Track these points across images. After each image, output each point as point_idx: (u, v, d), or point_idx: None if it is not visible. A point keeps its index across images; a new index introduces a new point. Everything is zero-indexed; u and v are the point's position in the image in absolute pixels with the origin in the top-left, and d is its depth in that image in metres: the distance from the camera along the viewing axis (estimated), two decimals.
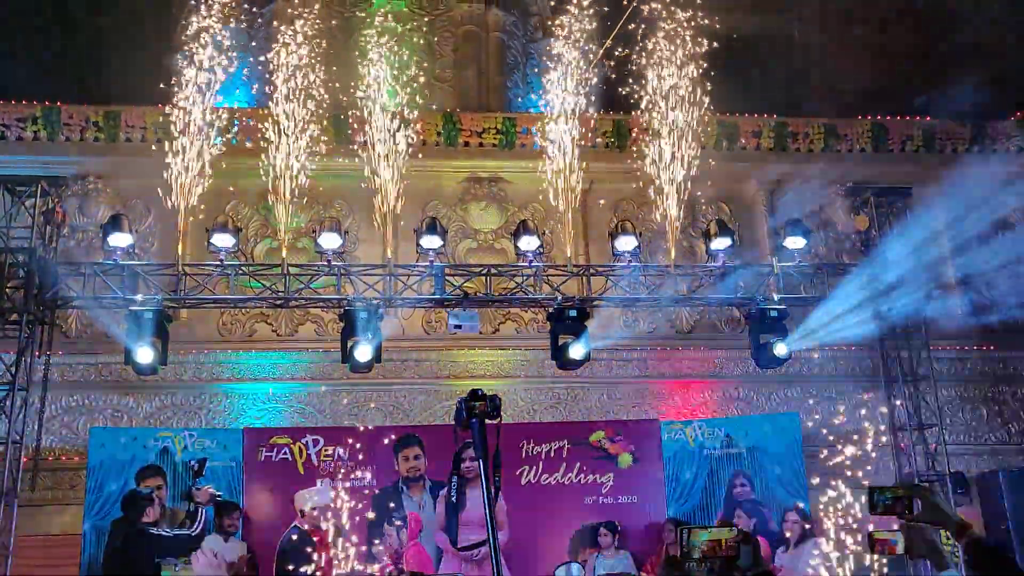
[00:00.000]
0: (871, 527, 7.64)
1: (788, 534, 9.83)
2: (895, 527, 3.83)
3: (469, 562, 9.58)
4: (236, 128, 11.00)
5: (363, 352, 9.85)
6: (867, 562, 9.48)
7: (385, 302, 10.03)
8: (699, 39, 10.54)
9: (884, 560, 9.24)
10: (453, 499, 4.29)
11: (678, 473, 10.69)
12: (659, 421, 11.02)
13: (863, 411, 11.40)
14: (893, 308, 10.70)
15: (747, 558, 3.74)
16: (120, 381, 10.97)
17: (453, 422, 4.25)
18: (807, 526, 9.72)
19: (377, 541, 9.74)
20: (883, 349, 11.49)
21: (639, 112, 10.90)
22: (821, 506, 9.98)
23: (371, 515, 9.85)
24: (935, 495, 3.74)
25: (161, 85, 10.43)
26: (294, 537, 9.55)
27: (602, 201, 12.29)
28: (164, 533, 8.57)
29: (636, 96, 10.78)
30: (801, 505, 10.00)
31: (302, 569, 9.18)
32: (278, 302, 10.28)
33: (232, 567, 9.08)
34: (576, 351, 10.16)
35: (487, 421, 4.17)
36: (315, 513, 9.61)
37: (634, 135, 11.73)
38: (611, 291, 10.58)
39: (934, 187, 11.03)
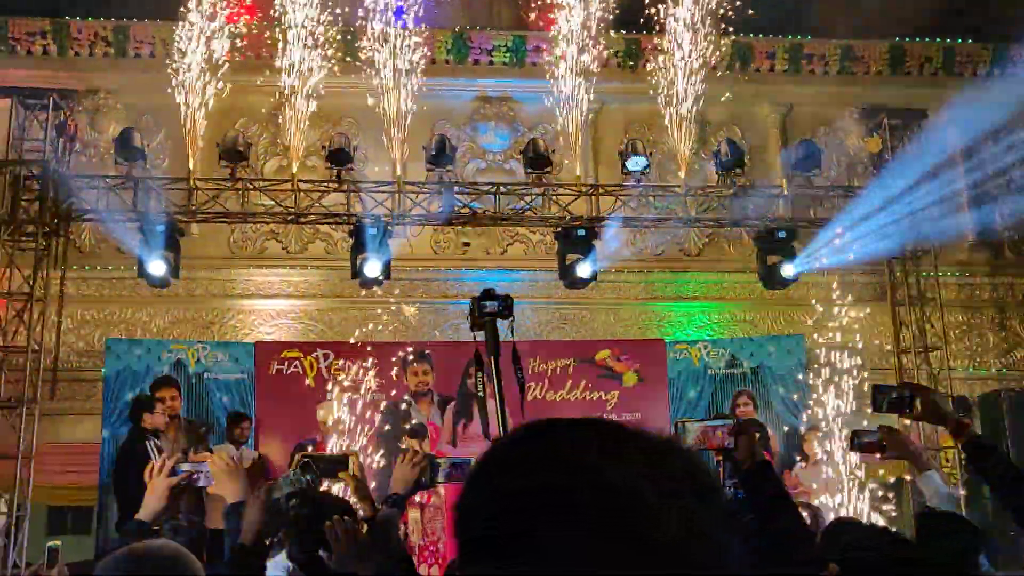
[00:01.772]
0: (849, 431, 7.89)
1: (806, 450, 10.01)
2: (875, 429, 4.02)
3: None
4: (243, 41, 10.98)
5: (372, 268, 10.05)
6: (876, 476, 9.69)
7: (394, 218, 10.14)
8: None
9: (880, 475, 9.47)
10: (481, 395, 4.50)
11: (682, 391, 10.93)
12: (664, 340, 11.23)
13: (868, 334, 11.51)
14: (902, 231, 10.69)
15: (743, 450, 3.93)
16: (133, 295, 11.26)
17: (469, 334, 4.41)
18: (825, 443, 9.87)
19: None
20: (891, 272, 11.58)
21: (653, 31, 10.85)
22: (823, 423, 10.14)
23: (387, 427, 10.06)
24: (936, 395, 3.97)
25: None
26: (309, 448, 9.80)
27: (612, 121, 12.23)
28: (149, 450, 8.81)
29: (651, 16, 10.72)
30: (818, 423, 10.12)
31: None
32: (288, 217, 10.46)
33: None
34: (583, 270, 10.34)
35: (500, 321, 4.31)
36: (329, 425, 9.80)
37: (647, 55, 11.66)
38: (619, 211, 10.65)
39: (950, 110, 10.97)
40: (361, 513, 3.89)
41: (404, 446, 9.49)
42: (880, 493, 9.82)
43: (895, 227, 10.60)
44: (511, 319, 4.41)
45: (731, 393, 10.92)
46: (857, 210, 10.67)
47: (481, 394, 4.68)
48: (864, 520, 7.24)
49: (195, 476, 3.49)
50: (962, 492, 9.29)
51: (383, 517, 3.48)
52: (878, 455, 4.01)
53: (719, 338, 11.47)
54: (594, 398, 10.80)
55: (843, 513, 8.71)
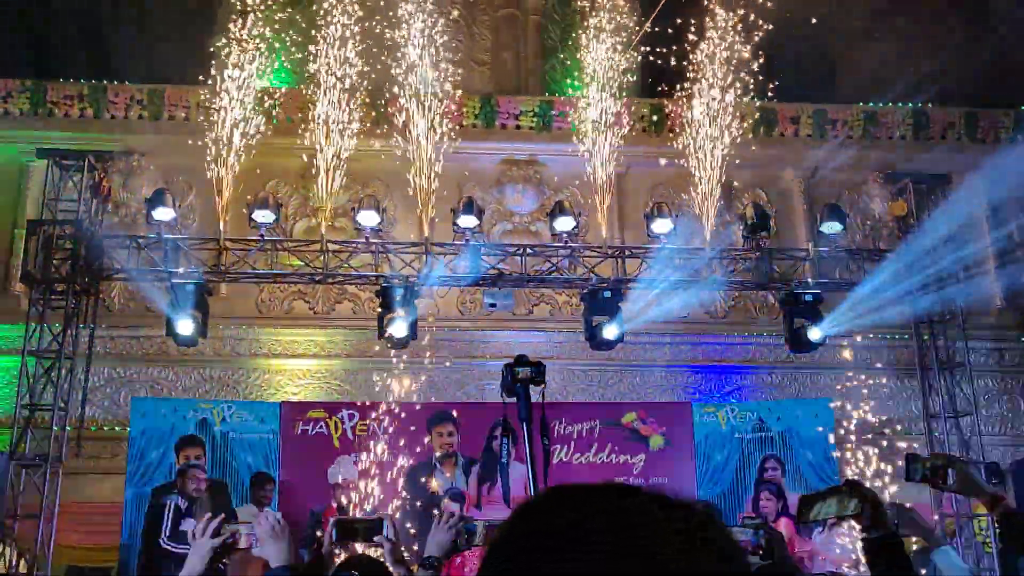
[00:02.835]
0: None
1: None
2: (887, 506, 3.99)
3: None
4: (277, 108, 11.27)
5: (399, 328, 10.11)
6: None
7: (421, 279, 10.23)
8: (749, 25, 10.66)
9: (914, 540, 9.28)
10: (504, 461, 4.55)
11: (709, 455, 10.82)
12: (691, 403, 11.19)
13: (897, 400, 11.42)
14: (929, 295, 10.67)
15: (766, 555, 3.96)
16: (160, 354, 11.37)
17: (496, 397, 4.47)
18: None
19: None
20: (919, 337, 11.55)
21: (678, 96, 11.05)
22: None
23: (404, 493, 10.05)
24: (970, 467, 3.95)
25: (204, 67, 10.74)
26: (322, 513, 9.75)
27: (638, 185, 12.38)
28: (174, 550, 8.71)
29: (677, 80, 10.94)
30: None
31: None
32: (317, 278, 10.58)
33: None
34: (609, 332, 10.37)
35: (532, 387, 4.30)
36: (341, 486, 9.85)
37: (672, 119, 11.86)
38: (645, 273, 10.71)
39: (974, 174, 11.05)
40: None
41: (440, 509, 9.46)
42: None
43: (922, 291, 10.57)
44: (543, 385, 4.48)
45: (758, 457, 10.82)
46: (884, 274, 10.64)
47: (504, 460, 4.66)
48: None
49: (238, 536, 3.45)
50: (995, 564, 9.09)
51: None
52: (933, 487, 3.97)
53: (746, 401, 11.31)
54: (620, 461, 10.73)
55: None
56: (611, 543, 0.88)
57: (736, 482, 10.78)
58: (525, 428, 4.35)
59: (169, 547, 8.90)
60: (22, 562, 10.02)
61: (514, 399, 4.45)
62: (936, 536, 3.95)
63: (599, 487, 0.96)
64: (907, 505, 4.00)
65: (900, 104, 12.85)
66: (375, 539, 4.00)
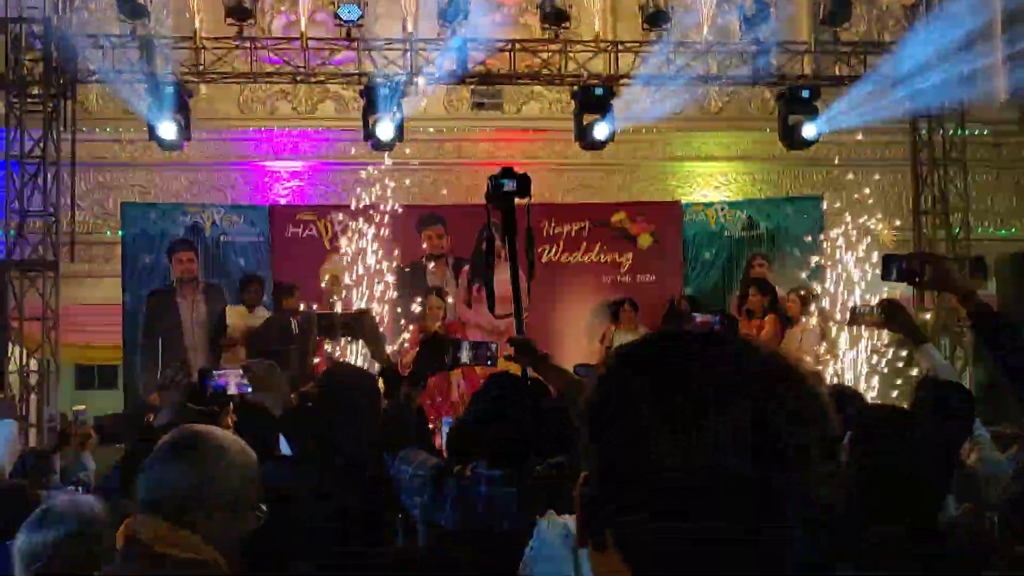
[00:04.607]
0: (853, 302, 7.95)
1: (790, 312, 10.00)
2: (874, 303, 4.09)
3: (493, 334, 9.49)
4: None
5: (385, 129, 10.01)
6: (872, 339, 9.73)
7: (406, 77, 9.98)
8: None
9: (884, 339, 9.46)
10: (489, 275, 4.61)
11: (697, 254, 10.95)
12: (681, 202, 11.26)
13: (888, 196, 11.40)
14: (930, 89, 10.44)
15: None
16: (146, 158, 11.34)
17: (484, 199, 4.30)
18: (812, 306, 9.89)
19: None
20: (915, 131, 11.38)
21: None
22: (829, 285, 10.12)
23: (394, 294, 10.07)
24: (947, 262, 3.90)
25: None
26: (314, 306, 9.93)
27: None
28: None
29: None
30: (809, 286, 10.13)
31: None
32: (298, 77, 10.33)
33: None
34: (600, 131, 10.27)
35: (517, 200, 4.26)
36: (332, 285, 9.81)
37: None
38: (638, 69, 10.42)
39: None
40: (376, 367, 4.03)
41: (420, 305, 9.61)
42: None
43: (924, 85, 10.29)
44: (528, 199, 4.38)
45: (744, 254, 10.90)
46: (885, 67, 10.34)
47: (489, 274, 4.60)
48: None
49: (227, 382, 3.46)
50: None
51: (403, 395, 3.55)
52: (876, 328, 4.11)
53: (737, 199, 11.36)
54: (608, 260, 10.83)
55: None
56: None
57: (723, 279, 10.98)
58: (507, 243, 4.37)
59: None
60: (32, 361, 10.35)
61: (498, 211, 4.56)
62: (920, 334, 4.08)
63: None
64: (896, 301, 4.17)
65: None
66: (354, 331, 4.16)
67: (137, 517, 1.92)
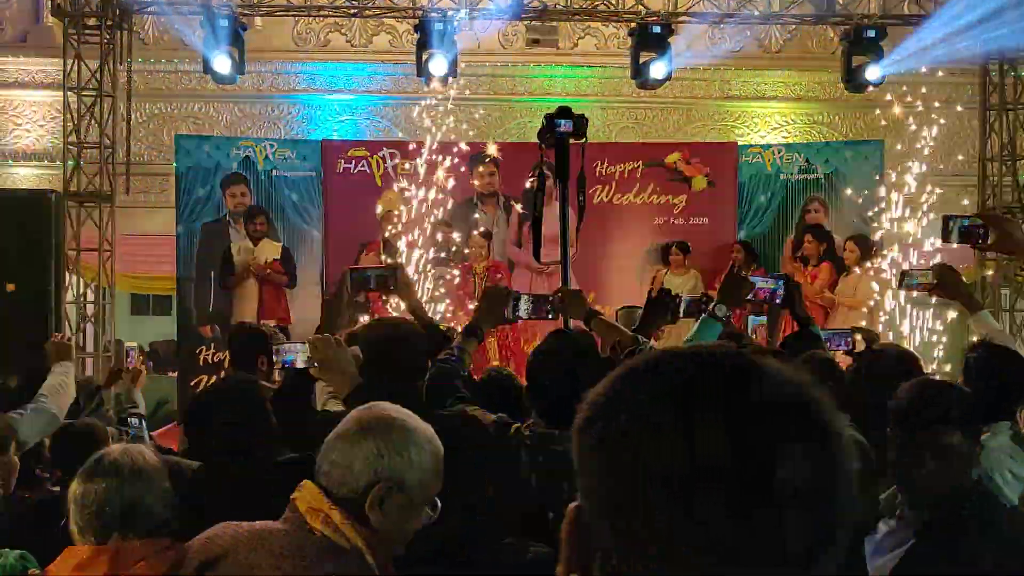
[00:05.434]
0: (906, 266, 7.78)
1: (847, 261, 9.95)
2: (928, 268, 4.01)
3: (540, 275, 9.96)
4: None
5: (438, 65, 9.91)
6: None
7: (461, 11, 9.84)
8: None
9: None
10: (537, 216, 4.56)
11: (752, 197, 10.77)
12: (737, 144, 11.02)
13: (954, 142, 11.07)
14: (1005, 29, 10.11)
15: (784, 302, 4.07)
16: (200, 90, 11.32)
17: (536, 139, 4.39)
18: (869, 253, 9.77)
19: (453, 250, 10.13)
20: (985, 74, 11.00)
21: None
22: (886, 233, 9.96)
23: (447, 228, 10.09)
24: (1009, 223, 3.79)
25: None
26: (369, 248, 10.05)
27: None
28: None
29: None
30: (867, 232, 10.00)
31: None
32: (352, 11, 10.24)
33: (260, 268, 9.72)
34: (657, 70, 10.06)
35: (571, 141, 4.26)
36: (387, 218, 9.89)
37: None
38: (698, 5, 10.17)
39: None
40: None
41: (470, 248, 9.75)
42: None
43: (995, 27, 9.97)
44: (584, 140, 4.37)
45: (800, 199, 10.73)
46: (956, 7, 10.03)
47: (537, 215, 4.62)
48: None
49: (296, 357, 3.27)
50: None
51: (456, 348, 3.47)
52: (928, 294, 4.01)
53: (794, 142, 11.16)
54: (662, 202, 10.71)
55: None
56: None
57: (777, 224, 10.81)
58: (559, 185, 4.36)
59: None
60: (88, 291, 10.63)
61: (551, 151, 4.41)
62: (975, 301, 3.99)
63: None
64: (951, 267, 4.06)
65: None
66: (390, 287, 4.00)
67: (309, 483, 1.85)
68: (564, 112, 4.29)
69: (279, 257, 10.12)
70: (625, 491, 0.83)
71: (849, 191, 10.41)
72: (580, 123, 4.27)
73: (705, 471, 0.80)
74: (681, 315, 4.27)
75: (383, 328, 3.47)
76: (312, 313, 7.87)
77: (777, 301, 3.94)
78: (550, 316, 3.89)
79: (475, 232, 9.72)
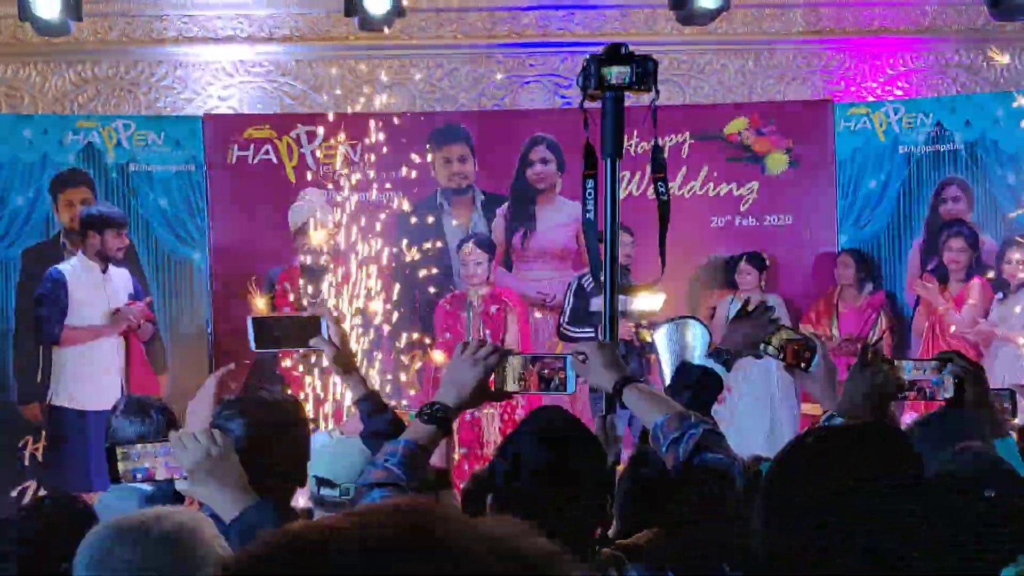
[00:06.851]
0: None
1: (1005, 274, 8.45)
2: None
3: (543, 307, 8.50)
4: None
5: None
6: None
7: None
8: None
9: None
10: (590, 217, 3.20)
11: (858, 183, 8.97)
12: (832, 102, 9.23)
13: None
14: None
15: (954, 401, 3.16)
16: (15, 45, 9.11)
17: (580, 88, 3.44)
18: None
19: None
20: None
21: None
22: None
23: (404, 241, 8.49)
24: None
25: None
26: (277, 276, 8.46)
27: None
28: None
29: None
30: None
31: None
32: None
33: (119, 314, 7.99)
34: None
35: (629, 97, 3.49)
36: (308, 232, 8.18)
37: None
38: None
39: None
40: (351, 397, 3.43)
41: (464, 253, 8.36)
42: None
43: None
44: (652, 93, 3.53)
45: (934, 182, 8.83)
46: None
47: (591, 215, 3.48)
48: None
49: (154, 471, 2.74)
50: None
51: (416, 440, 2.73)
52: None
53: (919, 97, 9.20)
54: (722, 192, 8.83)
55: None
56: None
57: (898, 220, 8.88)
58: (610, 164, 3.48)
59: None
60: None
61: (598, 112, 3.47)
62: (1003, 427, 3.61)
63: None
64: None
65: None
66: (310, 343, 3.40)
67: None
68: (616, 54, 3.34)
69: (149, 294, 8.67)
70: None
71: (1004, 169, 8.74)
72: (644, 67, 3.34)
73: None
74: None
75: (260, 410, 3.04)
76: (194, 380, 7.01)
77: (943, 397, 3.26)
78: (561, 389, 3.06)
79: (467, 243, 8.32)
